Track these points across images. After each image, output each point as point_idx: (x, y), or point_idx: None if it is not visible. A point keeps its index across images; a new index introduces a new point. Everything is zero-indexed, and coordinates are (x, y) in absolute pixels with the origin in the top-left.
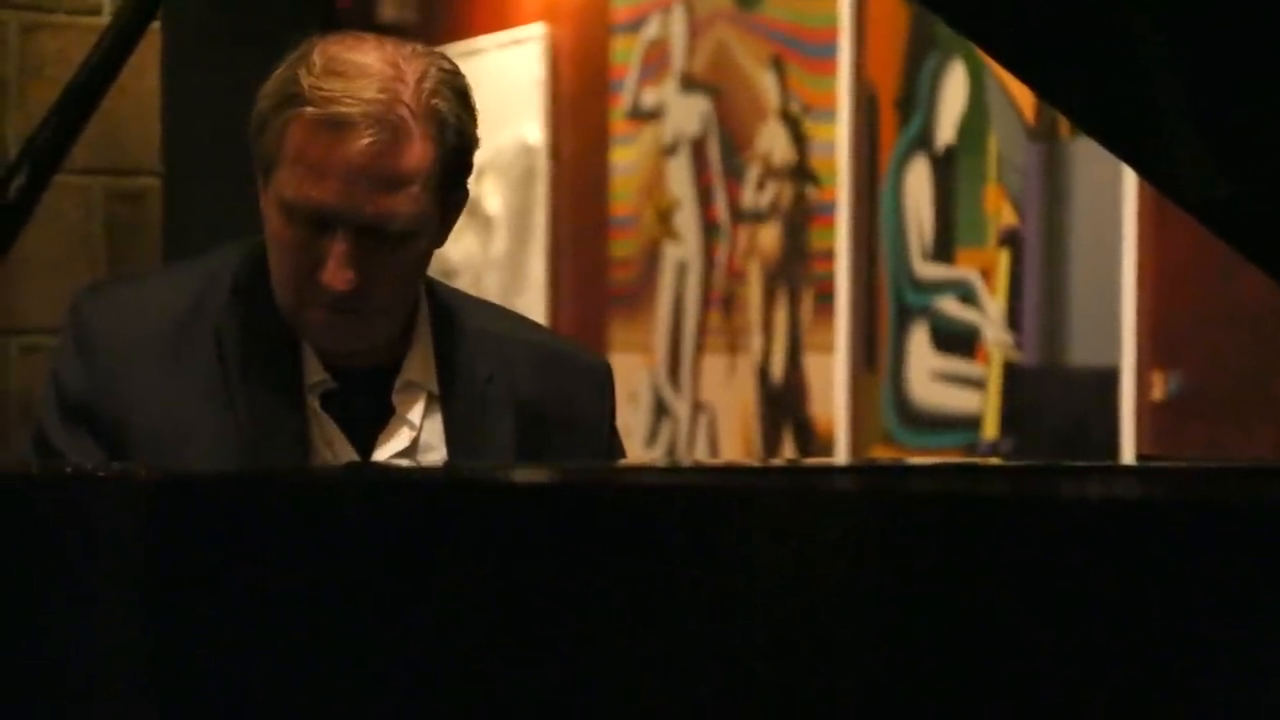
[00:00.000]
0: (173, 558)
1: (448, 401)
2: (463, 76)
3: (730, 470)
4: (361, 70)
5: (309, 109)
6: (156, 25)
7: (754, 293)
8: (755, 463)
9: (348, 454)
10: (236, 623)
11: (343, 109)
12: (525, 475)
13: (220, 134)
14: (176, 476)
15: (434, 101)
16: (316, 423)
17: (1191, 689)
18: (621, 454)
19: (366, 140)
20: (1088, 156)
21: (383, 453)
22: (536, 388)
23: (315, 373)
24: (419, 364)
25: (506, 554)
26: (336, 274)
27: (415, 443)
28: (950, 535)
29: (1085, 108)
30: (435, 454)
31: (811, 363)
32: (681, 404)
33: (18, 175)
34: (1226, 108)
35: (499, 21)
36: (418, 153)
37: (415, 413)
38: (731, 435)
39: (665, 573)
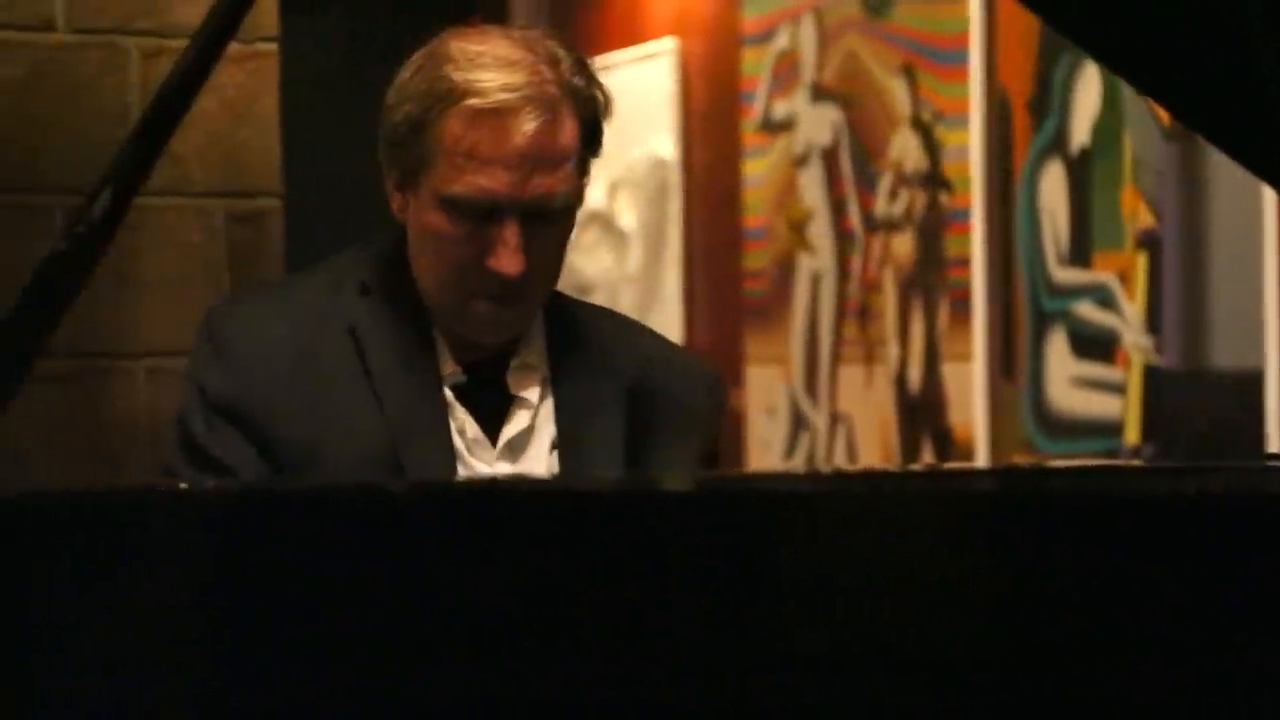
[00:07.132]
0: (236, 575)
1: (558, 385)
2: (579, 51)
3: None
4: (505, 59)
5: (471, 101)
6: (275, 48)
7: (889, 302)
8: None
9: (480, 439)
10: (295, 641)
11: (505, 97)
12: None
13: (339, 153)
14: (244, 492)
15: (573, 79)
16: (451, 412)
17: None
18: (717, 463)
19: (531, 125)
20: (1225, 155)
21: (508, 432)
22: (646, 382)
23: (447, 365)
24: (533, 348)
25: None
26: (510, 260)
27: (534, 422)
28: (1088, 534)
29: (1204, 114)
30: (545, 435)
31: (949, 371)
32: (819, 415)
33: (101, 197)
34: None
35: (630, 36)
36: (569, 130)
37: (533, 394)
38: (870, 446)
39: (783, 577)
